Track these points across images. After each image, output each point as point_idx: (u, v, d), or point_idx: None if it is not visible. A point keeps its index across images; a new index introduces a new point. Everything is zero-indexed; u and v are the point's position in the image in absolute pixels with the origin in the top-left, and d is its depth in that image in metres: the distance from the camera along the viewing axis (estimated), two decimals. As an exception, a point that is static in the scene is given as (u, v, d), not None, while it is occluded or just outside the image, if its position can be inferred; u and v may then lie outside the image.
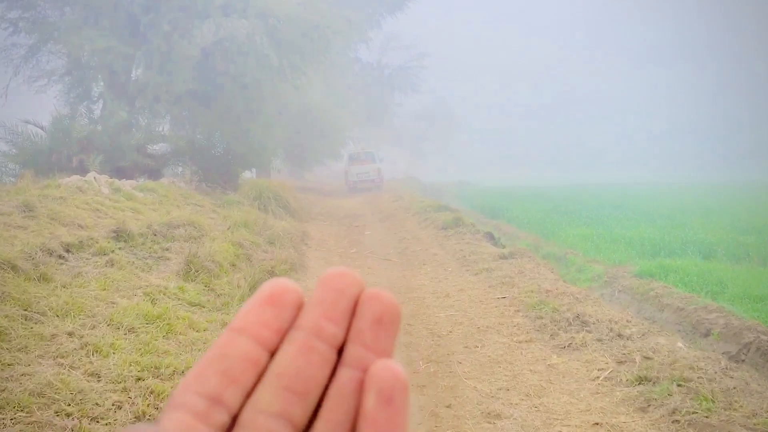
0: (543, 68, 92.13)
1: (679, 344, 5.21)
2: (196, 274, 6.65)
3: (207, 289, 6.48)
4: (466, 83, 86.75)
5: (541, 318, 6.34)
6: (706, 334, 6.62)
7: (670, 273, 9.39)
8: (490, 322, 6.43)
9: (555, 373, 4.90)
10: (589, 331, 5.69)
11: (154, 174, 17.16)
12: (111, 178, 13.23)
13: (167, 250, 7.78)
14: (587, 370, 4.92)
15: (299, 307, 0.37)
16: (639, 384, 4.51)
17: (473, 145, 76.84)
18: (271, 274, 6.40)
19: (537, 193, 27.26)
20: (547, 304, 6.67)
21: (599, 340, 5.49)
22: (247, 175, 21.74)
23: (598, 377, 4.76)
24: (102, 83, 17.02)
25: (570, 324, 5.95)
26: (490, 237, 11.74)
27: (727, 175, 49.44)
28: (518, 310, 6.80)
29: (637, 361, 4.89)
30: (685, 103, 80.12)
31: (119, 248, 7.25)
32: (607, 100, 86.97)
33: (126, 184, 12.17)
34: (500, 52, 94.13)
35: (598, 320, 5.89)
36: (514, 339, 5.81)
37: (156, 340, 4.70)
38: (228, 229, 9.53)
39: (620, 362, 4.96)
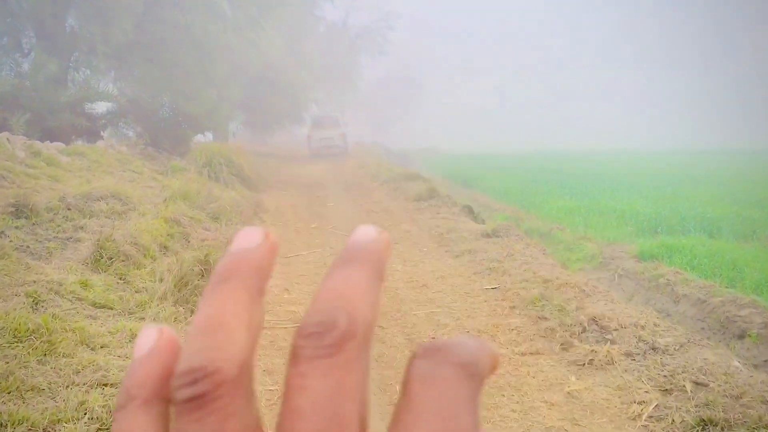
0: (522, 32, 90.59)
1: (736, 363, 3.98)
2: (109, 262, 5.20)
3: (122, 282, 5.05)
4: (437, 47, 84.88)
5: (545, 319, 5.06)
6: (741, 336, 5.44)
7: (674, 253, 8.24)
8: (481, 323, 5.14)
9: (579, 407, 3.63)
10: (612, 341, 4.43)
11: (93, 136, 15.43)
12: (35, 140, 11.57)
13: (81, 228, 6.29)
14: (622, 403, 3.66)
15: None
16: (702, 430, 3.26)
17: (442, 111, 75.35)
18: (205, 263, 5.00)
19: (512, 161, 26.04)
20: (550, 299, 5.41)
21: (628, 354, 4.24)
22: (202, 139, 20.05)
23: (639, 415, 3.49)
24: (33, 34, 15.14)
25: (585, 330, 4.69)
26: (469, 211, 10.44)
27: (707, 143, 48.92)
28: (513, 307, 5.51)
29: (688, 389, 3.64)
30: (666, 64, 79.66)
31: (16, 227, 5.76)
32: (586, 66, 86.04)
33: (51, 147, 10.54)
34: (475, 16, 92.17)
35: (620, 325, 4.63)
36: (516, 350, 4.52)
37: (22, 368, 3.28)
38: (164, 201, 8.04)
39: (665, 391, 3.71)
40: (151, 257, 5.84)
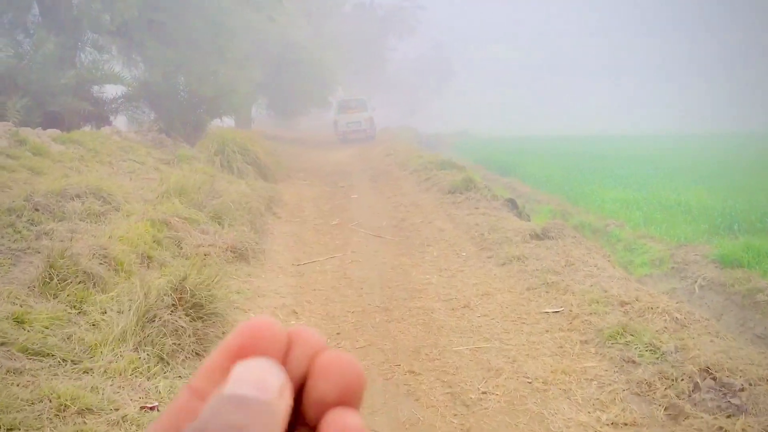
0: (547, 19, 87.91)
1: None
2: (61, 285, 4.03)
3: (75, 313, 3.87)
4: (467, 27, 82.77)
5: (634, 364, 3.78)
6: None
7: (765, 258, 6.83)
8: (546, 367, 3.87)
9: None
10: (744, 410, 3.12)
11: (101, 122, 14.38)
12: (36, 127, 10.53)
13: (46, 235, 5.15)
14: None
15: (279, 351, 0.31)
16: None
17: (472, 93, 73.44)
18: (180, 290, 3.80)
19: (548, 145, 24.45)
20: (635, 333, 4.11)
21: (773, 433, 2.94)
22: (221, 124, 18.90)
23: None
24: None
25: (697, 387, 3.38)
26: (513, 205, 9.11)
27: (730, 126, 46.43)
28: (585, 341, 4.23)
29: None
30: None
31: (-40, 236, 4.63)
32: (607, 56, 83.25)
33: (43, 135, 9.45)
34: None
35: (748, 381, 3.32)
36: (602, 417, 3.24)
37: None
38: (157, 198, 6.87)
39: None
40: (126, 273, 4.66)
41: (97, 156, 9.25)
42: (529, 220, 9.02)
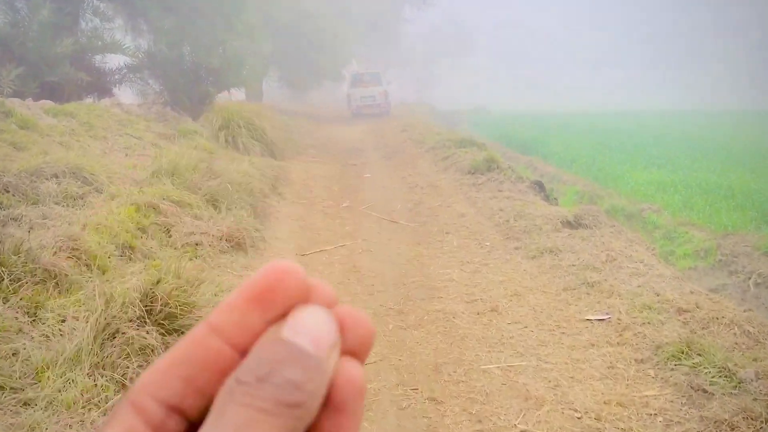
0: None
1: None
2: (14, 286, 3.37)
3: (29, 320, 3.22)
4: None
5: (706, 393, 3.08)
6: None
7: (826, 253, 6.07)
8: (598, 397, 3.17)
9: None
10: None
11: (103, 94, 13.71)
12: (30, 98, 9.88)
13: (14, 221, 4.48)
14: None
15: (301, 298, 0.31)
16: None
17: (490, 68, 71.97)
18: (151, 298, 3.12)
19: (568, 121, 23.48)
20: (702, 351, 3.39)
21: None
22: (230, 97, 18.15)
23: None
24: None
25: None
26: (540, 188, 8.35)
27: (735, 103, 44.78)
28: (641, 360, 3.53)
29: None
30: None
31: None
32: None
33: (34, 106, 8.79)
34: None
35: None
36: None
37: None
38: (148, 178, 6.19)
39: None
40: (100, 269, 4.01)
41: (91, 130, 8.57)
42: (557, 204, 8.27)
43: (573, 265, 5.13)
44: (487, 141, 16.17)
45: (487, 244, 6.12)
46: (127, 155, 8.20)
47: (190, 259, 4.92)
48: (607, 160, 12.09)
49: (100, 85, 13.68)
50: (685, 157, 11.85)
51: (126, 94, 15.17)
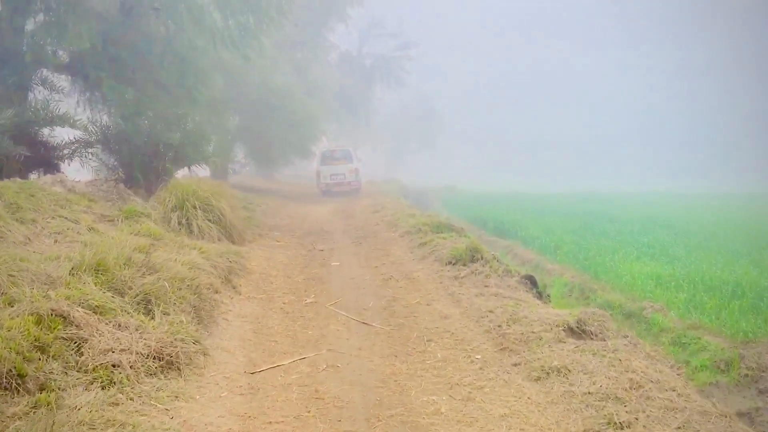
0: (537, 70, 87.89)
1: None
2: None
3: None
4: (454, 80, 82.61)
5: None
6: None
7: None
8: None
9: None
10: None
11: (50, 169, 12.63)
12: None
13: None
14: None
15: None
16: None
17: (459, 147, 72.55)
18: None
19: (544, 202, 22.92)
20: None
21: None
22: (193, 173, 17.16)
23: None
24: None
25: None
26: (532, 283, 7.39)
27: (724, 186, 45.36)
28: None
29: None
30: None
31: None
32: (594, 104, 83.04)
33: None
34: (496, 54, 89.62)
35: None
36: None
37: None
38: (70, 273, 5.07)
39: None
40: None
41: (18, 212, 7.46)
42: (550, 302, 7.32)
43: (589, 393, 4.11)
44: (461, 223, 15.35)
45: (478, 357, 5.08)
46: (56, 241, 7.09)
47: (102, 388, 3.80)
48: (594, 247, 11.27)
49: (46, 161, 12.62)
50: (678, 246, 11.09)
51: (79, 171, 14.11)
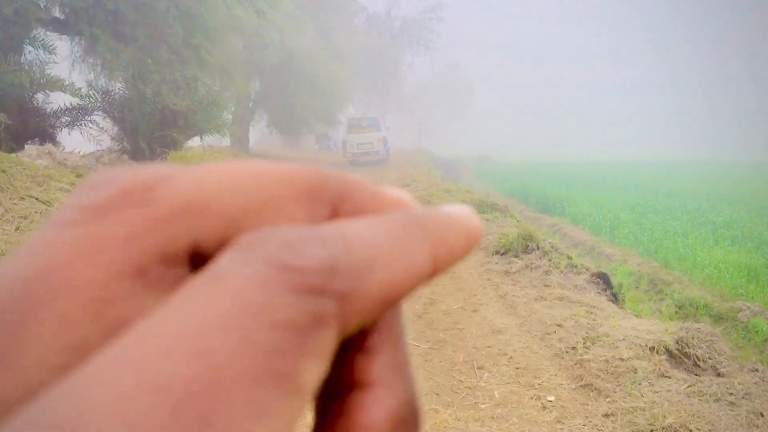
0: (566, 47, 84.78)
1: None
2: None
3: None
4: (485, 44, 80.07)
5: None
6: None
7: None
8: None
9: None
10: None
11: (46, 138, 11.45)
12: None
13: None
14: None
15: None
16: None
17: (493, 117, 70.41)
18: None
19: (590, 173, 21.15)
20: None
21: None
22: (208, 143, 15.90)
23: None
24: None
25: None
26: (604, 281, 5.92)
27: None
28: None
29: None
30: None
31: None
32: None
33: None
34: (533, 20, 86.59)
35: None
36: None
37: None
38: None
39: None
40: None
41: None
42: (624, 305, 5.86)
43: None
44: (498, 197, 13.88)
45: (551, 399, 3.67)
46: (17, 229, 5.83)
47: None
48: (659, 228, 9.71)
49: (41, 130, 11.43)
50: (763, 228, 9.46)
51: (83, 142, 12.95)
